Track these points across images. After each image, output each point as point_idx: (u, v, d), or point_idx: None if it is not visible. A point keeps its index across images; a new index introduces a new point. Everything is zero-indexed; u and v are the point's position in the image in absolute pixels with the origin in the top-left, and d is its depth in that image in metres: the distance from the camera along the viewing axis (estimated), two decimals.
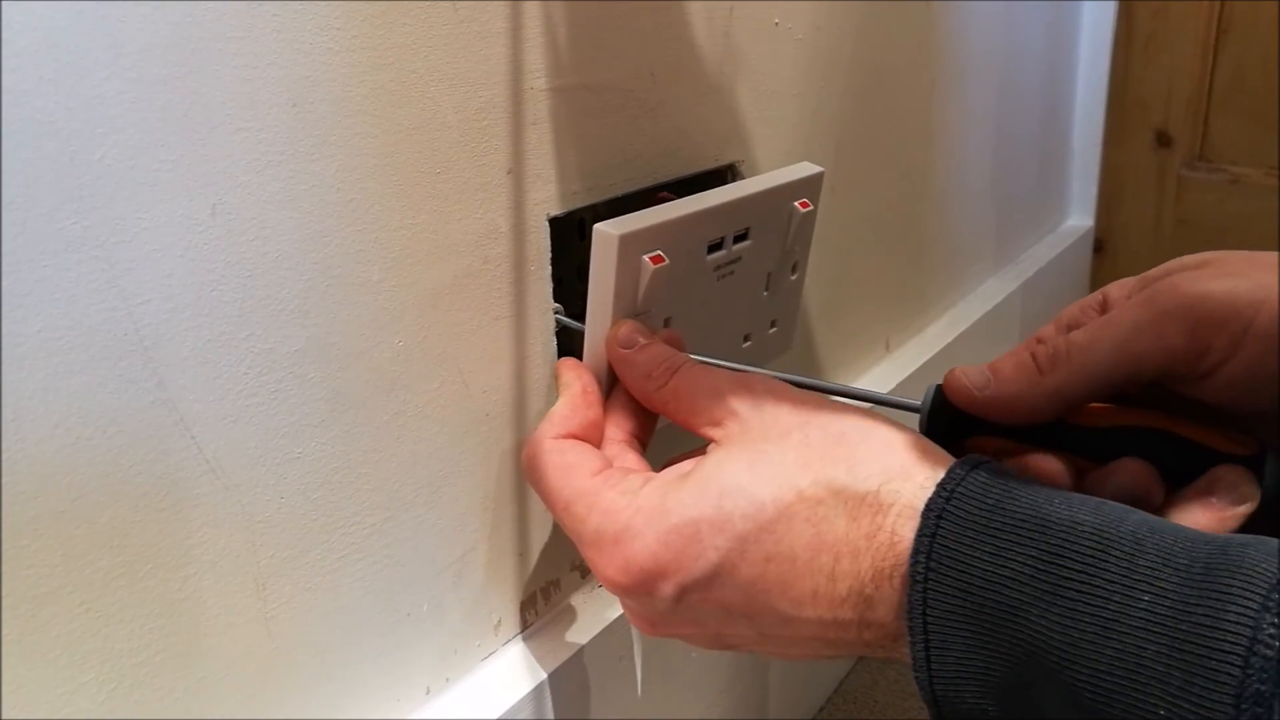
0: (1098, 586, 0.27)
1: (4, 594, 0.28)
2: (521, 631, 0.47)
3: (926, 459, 0.32)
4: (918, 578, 0.29)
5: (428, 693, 0.43)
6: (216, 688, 0.34)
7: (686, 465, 0.35)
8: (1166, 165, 1.13)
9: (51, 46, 0.27)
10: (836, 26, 0.62)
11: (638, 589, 0.34)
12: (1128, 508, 0.29)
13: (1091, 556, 0.27)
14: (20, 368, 0.27)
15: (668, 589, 0.34)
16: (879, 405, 0.39)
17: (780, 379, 0.40)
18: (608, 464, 0.38)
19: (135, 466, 0.31)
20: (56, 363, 0.28)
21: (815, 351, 0.68)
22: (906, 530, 0.31)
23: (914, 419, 0.37)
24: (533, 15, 0.40)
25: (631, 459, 0.39)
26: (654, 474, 0.36)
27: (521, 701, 0.43)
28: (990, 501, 0.29)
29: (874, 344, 0.77)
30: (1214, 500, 0.32)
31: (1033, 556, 0.28)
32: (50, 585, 0.29)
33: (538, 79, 0.41)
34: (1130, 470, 0.33)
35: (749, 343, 0.51)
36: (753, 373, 0.40)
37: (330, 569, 0.37)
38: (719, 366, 0.41)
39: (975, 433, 0.36)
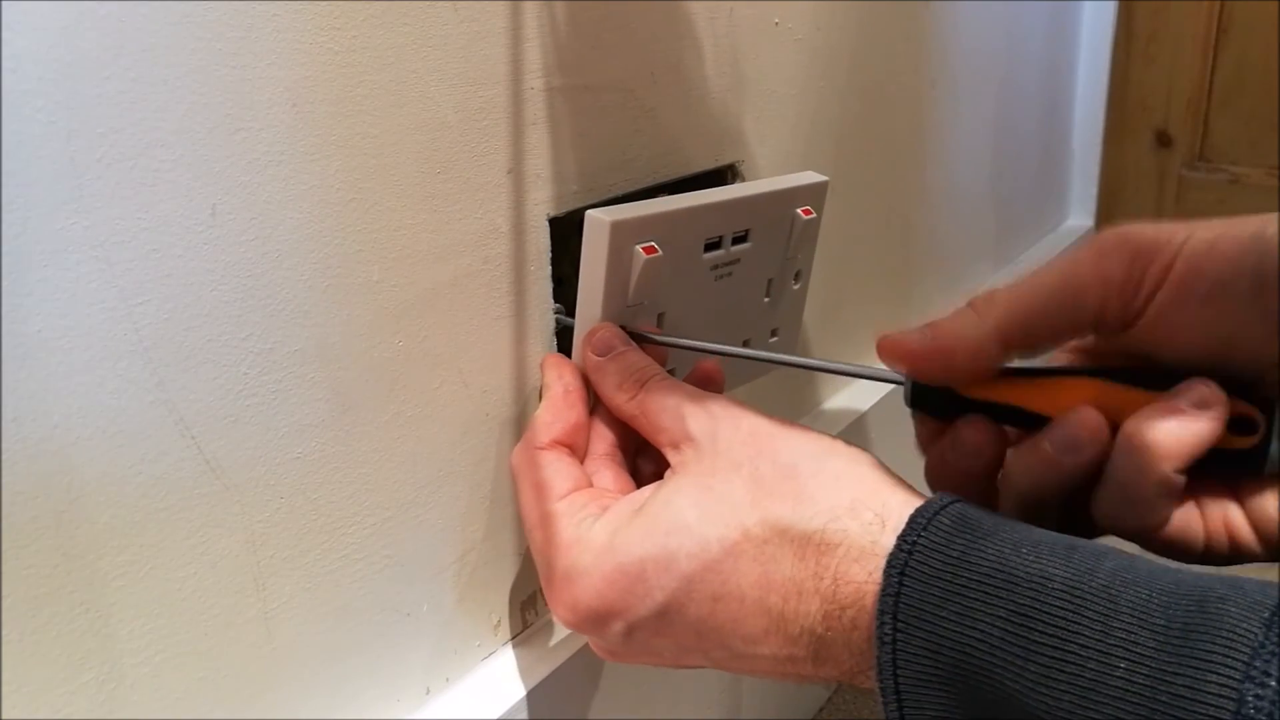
0: (1071, 651, 0.26)
1: (4, 594, 0.28)
2: (521, 631, 0.47)
3: (878, 492, 0.31)
4: (885, 639, 0.28)
5: (428, 693, 0.43)
6: (216, 688, 0.34)
7: (643, 495, 0.35)
8: (1166, 165, 1.13)
9: (51, 46, 0.27)
10: (836, 26, 0.62)
11: (586, 627, 0.35)
12: (1101, 551, 0.28)
13: (1063, 617, 0.26)
14: (20, 368, 0.27)
15: (617, 627, 0.34)
16: (866, 380, 0.39)
17: (767, 359, 0.41)
18: (584, 482, 0.37)
19: (135, 466, 0.31)
20: (56, 363, 0.28)
21: (815, 350, 0.68)
22: (854, 572, 0.30)
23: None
24: (533, 15, 0.40)
25: (608, 477, 0.38)
26: (618, 501, 0.36)
27: (521, 701, 0.43)
28: (954, 555, 0.28)
29: (874, 344, 0.77)
30: (1181, 406, 0.31)
31: (1001, 617, 0.27)
32: (50, 585, 0.29)
33: (538, 79, 0.41)
34: (1080, 418, 0.32)
35: (747, 349, 0.51)
36: (741, 355, 0.41)
37: (330, 569, 0.37)
38: (712, 352, 0.41)
39: (960, 409, 0.36)
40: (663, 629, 0.33)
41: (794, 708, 0.69)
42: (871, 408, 0.70)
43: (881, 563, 0.29)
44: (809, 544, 0.31)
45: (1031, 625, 0.26)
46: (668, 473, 0.36)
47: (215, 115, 0.31)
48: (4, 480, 0.27)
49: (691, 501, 0.33)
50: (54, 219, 0.27)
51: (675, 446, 0.36)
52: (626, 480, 0.39)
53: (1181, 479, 0.31)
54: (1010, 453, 0.34)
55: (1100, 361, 0.37)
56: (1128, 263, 0.33)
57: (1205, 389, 0.32)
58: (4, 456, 0.27)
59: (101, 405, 0.29)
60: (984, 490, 0.35)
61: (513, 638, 0.46)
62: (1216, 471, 0.33)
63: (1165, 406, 0.32)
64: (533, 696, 0.44)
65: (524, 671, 0.45)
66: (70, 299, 0.28)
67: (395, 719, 0.41)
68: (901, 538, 0.29)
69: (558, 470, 0.37)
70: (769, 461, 0.33)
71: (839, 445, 0.34)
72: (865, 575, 0.30)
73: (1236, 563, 0.33)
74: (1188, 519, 0.33)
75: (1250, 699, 0.23)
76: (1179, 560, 0.33)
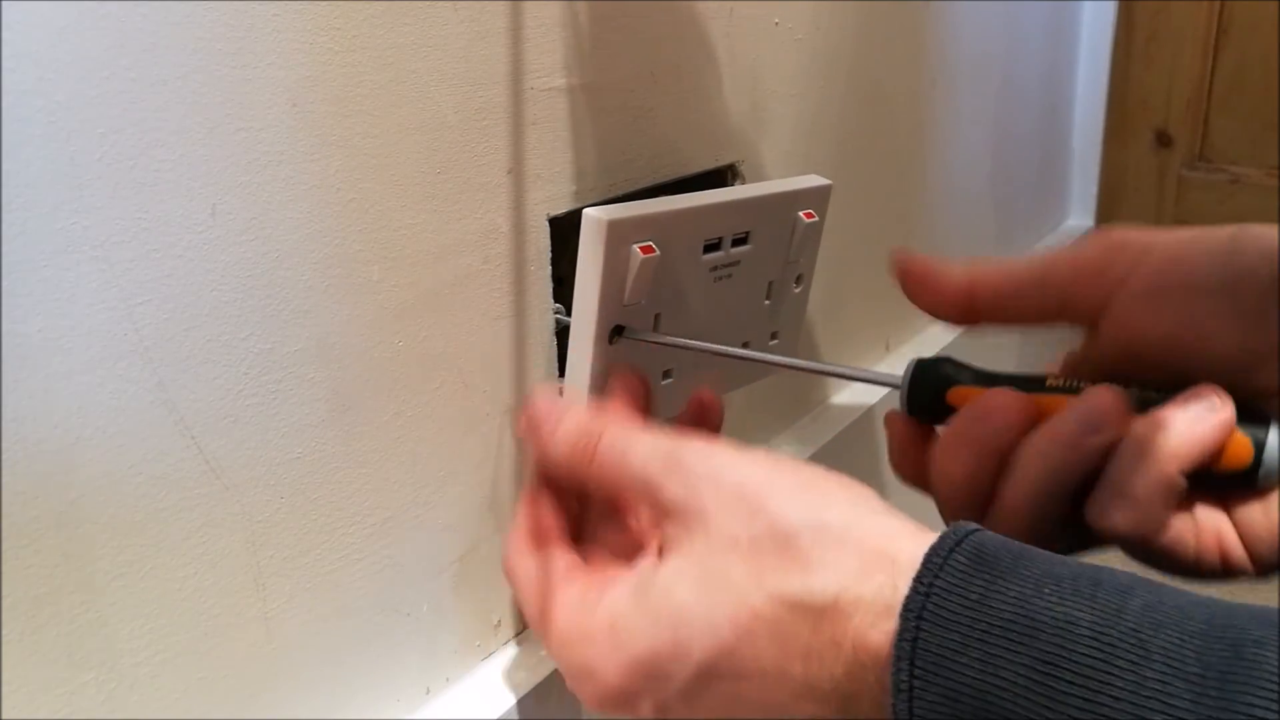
0: (1102, 703, 0.24)
1: (4, 594, 0.28)
2: (521, 631, 0.47)
3: (886, 552, 0.30)
4: (901, 686, 0.27)
5: (428, 693, 0.43)
6: (216, 688, 0.34)
7: (637, 576, 0.33)
8: (1166, 165, 1.13)
9: (51, 46, 0.27)
10: (836, 26, 0.62)
11: (621, 712, 0.33)
12: (1126, 586, 0.27)
13: (1092, 666, 0.25)
14: (20, 368, 0.27)
15: (646, 708, 0.33)
16: (863, 382, 0.41)
17: (766, 360, 0.41)
18: (575, 565, 0.36)
19: (135, 466, 0.31)
20: (56, 363, 0.28)
21: (815, 351, 0.68)
22: (872, 637, 0.29)
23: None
24: (533, 15, 0.40)
25: (560, 566, 0.36)
26: (614, 584, 0.34)
27: (521, 701, 0.43)
28: (973, 597, 0.27)
29: (874, 344, 0.77)
30: (1191, 408, 0.32)
31: (1025, 665, 0.26)
32: (50, 585, 0.29)
33: (538, 79, 0.41)
34: (1100, 396, 0.33)
35: (746, 350, 0.51)
36: (739, 356, 0.42)
37: (330, 569, 0.37)
38: (712, 353, 0.42)
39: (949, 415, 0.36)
40: (694, 705, 0.32)
41: None
42: (878, 403, 0.70)
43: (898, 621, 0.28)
44: (823, 616, 0.30)
45: (1059, 674, 0.25)
46: (664, 550, 0.33)
47: (215, 115, 0.31)
48: (4, 480, 0.27)
49: (694, 588, 0.31)
50: (54, 219, 0.27)
51: (657, 522, 0.34)
52: (579, 565, 0.37)
53: (1184, 482, 0.31)
54: (1025, 439, 0.34)
55: (1090, 374, 0.37)
56: (1101, 250, 0.35)
57: (1215, 394, 0.32)
58: (4, 456, 0.27)
59: (101, 405, 0.29)
60: (989, 479, 0.35)
61: (513, 638, 0.47)
62: (1211, 482, 0.32)
63: (1174, 407, 0.32)
64: (533, 697, 0.44)
65: (524, 672, 0.45)
66: (70, 299, 0.28)
67: (395, 719, 0.41)
68: (917, 579, 0.28)
69: (546, 560, 0.36)
70: (765, 529, 0.31)
71: (832, 492, 0.32)
72: (884, 638, 0.29)
73: (1227, 578, 0.33)
74: (1181, 529, 0.32)
75: None
76: (1168, 570, 0.33)
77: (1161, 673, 0.24)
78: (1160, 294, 0.33)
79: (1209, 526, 0.33)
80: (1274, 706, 0.23)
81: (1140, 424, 0.32)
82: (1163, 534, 0.32)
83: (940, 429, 0.37)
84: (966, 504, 0.35)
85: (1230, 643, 0.24)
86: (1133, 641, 0.25)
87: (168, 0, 0.29)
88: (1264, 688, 0.23)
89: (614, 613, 0.33)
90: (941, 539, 0.29)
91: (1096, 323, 0.35)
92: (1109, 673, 0.25)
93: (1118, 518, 0.32)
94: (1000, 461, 0.35)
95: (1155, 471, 0.31)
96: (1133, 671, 0.25)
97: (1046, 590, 0.27)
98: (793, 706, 0.31)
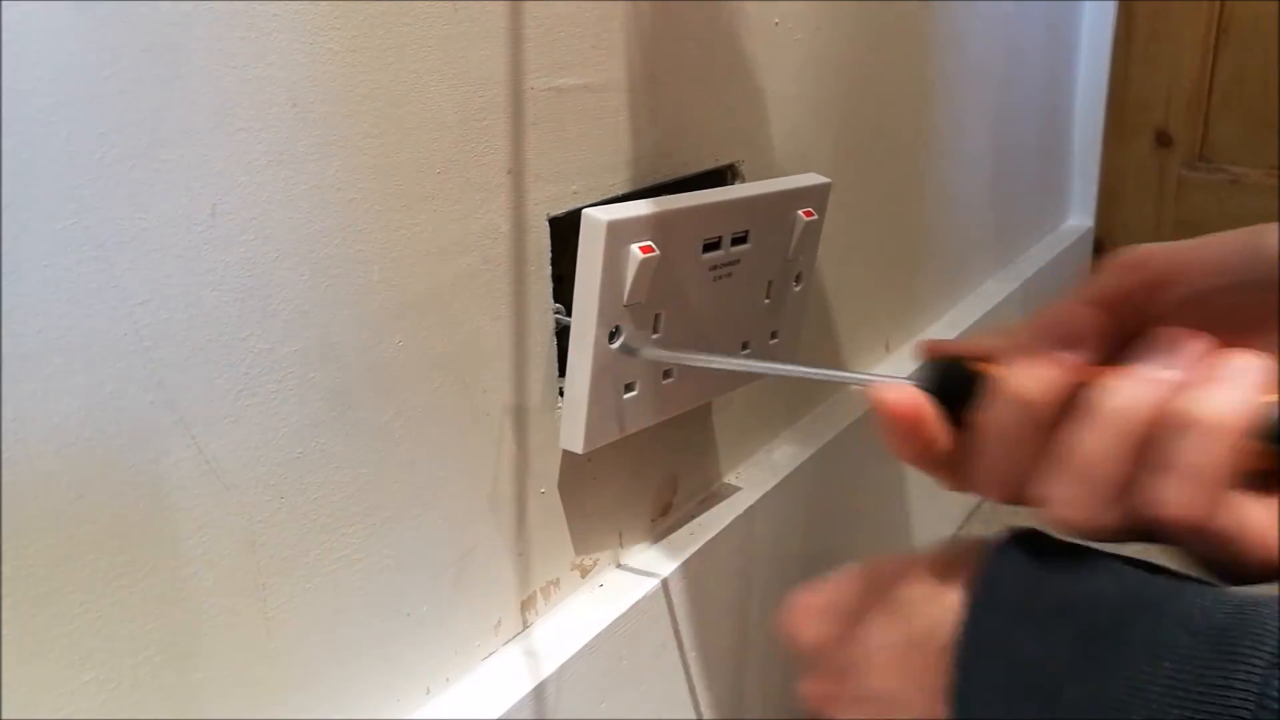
0: (1123, 657, 0.28)
1: (4, 594, 0.28)
2: (521, 631, 0.47)
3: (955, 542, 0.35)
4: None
5: (428, 693, 0.43)
6: (216, 688, 0.34)
7: None
8: (1166, 165, 1.13)
9: (51, 46, 0.27)
10: (836, 27, 0.62)
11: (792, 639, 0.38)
12: (1149, 576, 0.30)
13: (1116, 628, 0.29)
14: (20, 368, 0.27)
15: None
16: (864, 384, 0.39)
17: (761, 370, 0.42)
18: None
19: (135, 466, 0.31)
20: (57, 363, 0.28)
21: (814, 352, 0.68)
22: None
23: None
24: (533, 15, 0.40)
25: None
26: None
27: (521, 701, 0.43)
28: (1028, 581, 0.31)
29: (874, 344, 0.77)
30: (1226, 377, 0.31)
31: (1064, 639, 0.30)
32: (50, 585, 0.29)
33: (538, 79, 0.41)
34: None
35: (747, 350, 0.51)
36: (735, 368, 0.42)
37: (330, 569, 0.37)
38: (708, 367, 0.41)
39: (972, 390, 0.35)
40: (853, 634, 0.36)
41: (795, 708, 0.69)
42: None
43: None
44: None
45: (1088, 638, 0.29)
46: None
47: (215, 115, 0.31)
48: (4, 480, 0.27)
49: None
50: (54, 219, 0.27)
51: None
52: None
53: (1246, 451, 0.30)
54: (1106, 384, 0.32)
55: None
56: (1119, 276, 0.34)
57: (1242, 359, 0.31)
58: (4, 456, 0.27)
59: (101, 405, 0.29)
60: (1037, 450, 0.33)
61: (513, 637, 0.47)
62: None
63: (1210, 382, 0.30)
64: (533, 697, 0.44)
65: (524, 672, 0.45)
66: (70, 299, 0.28)
67: (395, 719, 0.41)
68: (975, 570, 0.32)
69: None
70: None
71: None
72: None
73: (1273, 579, 0.32)
74: (1241, 515, 0.30)
75: (1274, 681, 0.25)
76: (1215, 568, 0.32)
77: (1173, 630, 0.28)
78: (1187, 302, 0.33)
79: (1259, 516, 0.31)
80: (1260, 648, 0.26)
81: (1184, 403, 0.30)
82: (1219, 518, 0.30)
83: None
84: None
85: (1235, 605, 0.28)
86: (1152, 606, 0.29)
87: (168, 0, 0.29)
88: (1254, 635, 0.27)
89: None
90: (998, 535, 0.33)
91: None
92: (1131, 632, 0.29)
93: (1174, 500, 0.30)
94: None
95: (1222, 449, 0.29)
96: (1150, 630, 0.29)
97: (1083, 573, 0.31)
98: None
